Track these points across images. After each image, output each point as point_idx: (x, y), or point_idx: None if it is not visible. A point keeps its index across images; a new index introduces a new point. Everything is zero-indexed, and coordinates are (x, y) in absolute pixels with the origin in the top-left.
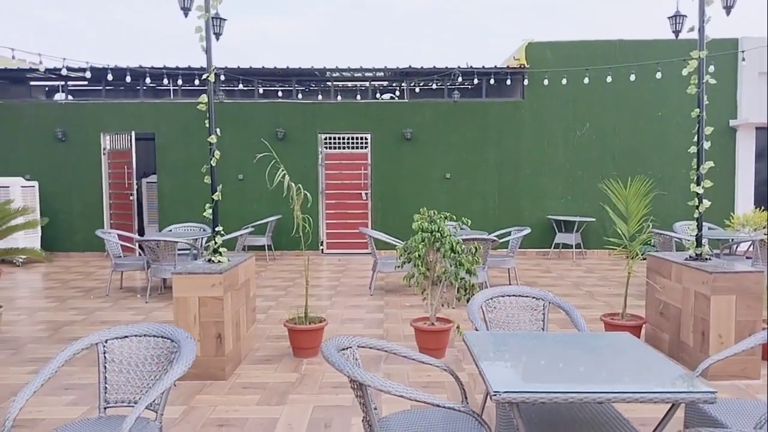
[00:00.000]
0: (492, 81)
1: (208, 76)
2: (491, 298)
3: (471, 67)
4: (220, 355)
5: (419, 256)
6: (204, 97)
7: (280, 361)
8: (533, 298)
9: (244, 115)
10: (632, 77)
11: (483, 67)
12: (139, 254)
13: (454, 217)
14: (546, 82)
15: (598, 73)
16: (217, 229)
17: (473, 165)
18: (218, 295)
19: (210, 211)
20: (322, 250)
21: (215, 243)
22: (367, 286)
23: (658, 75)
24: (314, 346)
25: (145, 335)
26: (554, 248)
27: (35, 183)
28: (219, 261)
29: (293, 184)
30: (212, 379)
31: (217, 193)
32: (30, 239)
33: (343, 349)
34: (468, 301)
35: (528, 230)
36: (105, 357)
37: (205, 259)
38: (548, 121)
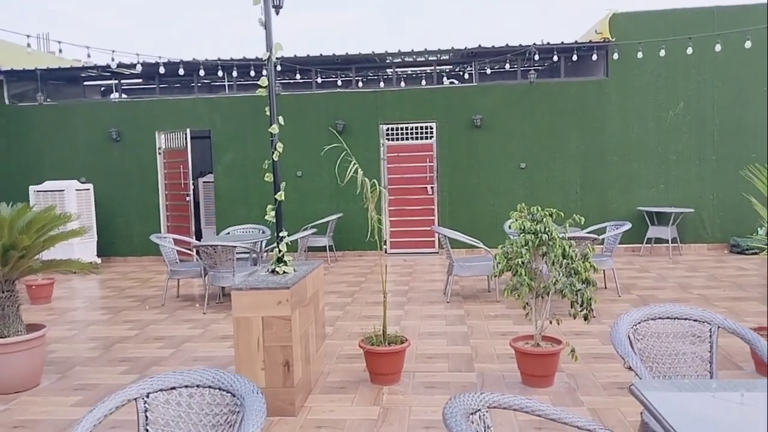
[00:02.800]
0: (574, 58)
1: (268, 57)
2: (639, 323)
3: (548, 43)
4: (288, 385)
5: (522, 263)
6: (264, 80)
7: (357, 390)
8: (696, 321)
9: (301, 107)
10: (717, 47)
11: (562, 43)
12: (197, 260)
13: (562, 214)
14: (635, 56)
15: (693, 45)
16: (281, 234)
17: (552, 153)
18: (286, 315)
19: (273, 213)
20: (386, 249)
21: (279, 251)
22: (441, 292)
23: (748, 44)
24: (396, 372)
25: (197, 386)
26: (646, 243)
27: (90, 185)
28: (284, 272)
29: (367, 180)
30: (280, 415)
31: (280, 193)
32: (86, 245)
33: (472, 413)
34: (585, 318)
35: (628, 225)
36: (146, 417)
37: (268, 269)
38: (636, 101)
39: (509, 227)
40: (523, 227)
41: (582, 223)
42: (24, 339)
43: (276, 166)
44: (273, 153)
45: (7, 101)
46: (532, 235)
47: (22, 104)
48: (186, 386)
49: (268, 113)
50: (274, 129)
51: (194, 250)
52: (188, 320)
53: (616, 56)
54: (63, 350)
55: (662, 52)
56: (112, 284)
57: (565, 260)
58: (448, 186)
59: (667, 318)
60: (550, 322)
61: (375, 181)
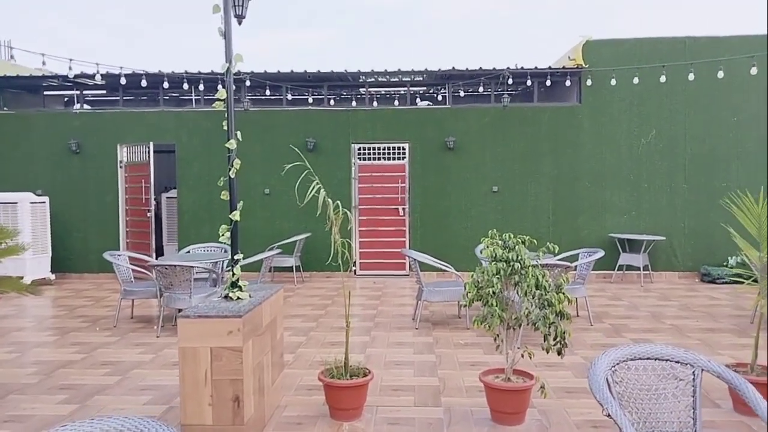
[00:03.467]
0: (548, 83)
1: (227, 68)
2: (618, 363)
3: (522, 68)
4: (238, 423)
5: (494, 293)
6: (222, 92)
7: (314, 426)
8: (678, 362)
9: (271, 124)
10: (691, 76)
11: (536, 68)
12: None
13: (535, 241)
14: (608, 83)
15: (665, 74)
16: (236, 256)
17: (525, 177)
18: (236, 345)
19: (228, 234)
20: (355, 271)
21: (233, 274)
22: (410, 317)
23: (720, 74)
24: (357, 407)
25: None
26: (618, 270)
27: (46, 198)
28: (238, 298)
29: (330, 201)
30: None
31: (235, 212)
32: (39, 261)
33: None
34: (559, 353)
35: (601, 253)
36: None
37: (221, 294)
38: (609, 127)
39: (480, 252)
40: (494, 255)
41: (555, 251)
42: None
43: (232, 184)
44: (230, 170)
45: None
46: (504, 263)
47: None
48: None
49: (225, 128)
50: (232, 144)
51: (151, 269)
52: (140, 344)
53: (589, 82)
54: (0, 375)
55: (636, 80)
56: (65, 302)
57: (538, 291)
58: (420, 207)
59: (648, 359)
60: (522, 356)
61: (339, 202)
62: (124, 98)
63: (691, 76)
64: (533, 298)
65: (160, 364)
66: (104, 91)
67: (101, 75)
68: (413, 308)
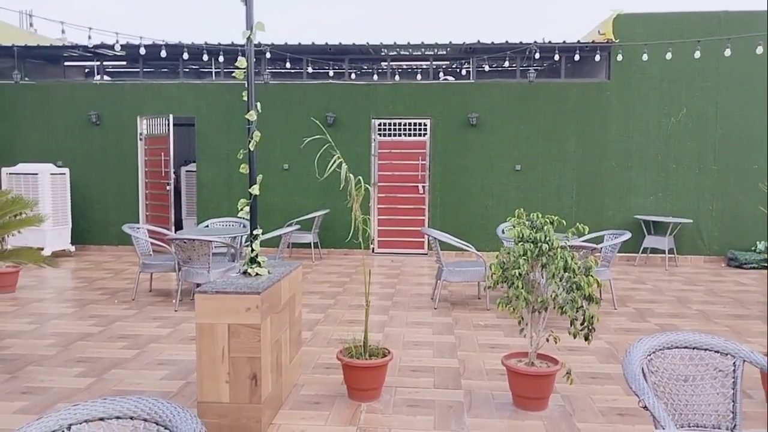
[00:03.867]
0: (576, 58)
1: (248, 36)
2: (654, 352)
3: (549, 42)
4: (255, 401)
5: (520, 275)
6: (242, 61)
7: (332, 406)
8: (718, 352)
9: (290, 98)
10: (727, 52)
11: (564, 42)
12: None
13: (564, 222)
14: (638, 59)
15: (697, 49)
16: (255, 231)
17: (548, 155)
18: (254, 323)
19: (247, 209)
20: (373, 249)
21: (252, 250)
22: (429, 296)
23: (759, 50)
24: (376, 387)
25: (131, 417)
26: (642, 253)
27: (66, 170)
28: (257, 274)
29: (351, 176)
30: None
31: (255, 186)
32: (59, 232)
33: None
34: (586, 339)
35: (627, 235)
36: None
37: (239, 270)
38: (638, 105)
39: (503, 232)
40: (521, 235)
41: (585, 232)
42: None
43: (252, 157)
44: (249, 142)
45: None
46: (531, 244)
47: None
48: (117, 417)
49: (245, 99)
50: (252, 116)
51: (170, 243)
52: (158, 318)
53: (620, 57)
54: (18, 346)
55: (668, 55)
56: (84, 275)
57: (566, 273)
58: (440, 185)
59: (685, 348)
60: (547, 340)
61: (360, 177)
62: (144, 70)
63: (727, 52)
64: (561, 280)
65: (177, 339)
66: (124, 63)
67: (121, 45)
68: (432, 288)
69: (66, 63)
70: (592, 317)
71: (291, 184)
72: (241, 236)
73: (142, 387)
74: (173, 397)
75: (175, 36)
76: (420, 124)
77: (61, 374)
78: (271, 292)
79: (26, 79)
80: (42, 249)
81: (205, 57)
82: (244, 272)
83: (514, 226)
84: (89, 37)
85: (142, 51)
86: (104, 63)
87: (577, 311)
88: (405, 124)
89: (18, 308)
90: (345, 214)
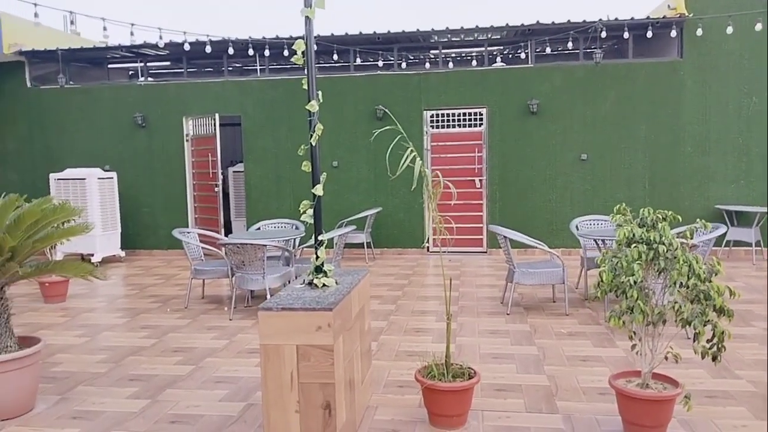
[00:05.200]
0: (649, 34)
1: (306, 15)
2: None
3: (616, 19)
4: None
5: (635, 282)
6: (300, 43)
7: None
8: None
9: (337, 91)
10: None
11: (632, 18)
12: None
13: (679, 218)
14: (714, 35)
15: (758, 21)
16: (320, 237)
17: (617, 143)
18: (327, 344)
19: (310, 212)
20: (428, 248)
21: (317, 257)
22: (498, 300)
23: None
24: (461, 413)
25: None
26: (725, 246)
27: (114, 174)
28: (324, 285)
29: (428, 171)
30: None
31: (318, 186)
32: (108, 238)
33: None
34: (715, 359)
35: (723, 229)
36: None
37: (304, 280)
38: (715, 85)
39: (576, 228)
40: (632, 235)
41: (708, 228)
42: (14, 357)
43: (315, 153)
44: (311, 136)
45: (28, 83)
46: (644, 246)
47: (43, 87)
48: None
49: (305, 86)
50: (313, 106)
51: (221, 248)
52: (212, 327)
53: (699, 32)
54: (68, 362)
55: (759, 26)
56: (135, 281)
57: (691, 280)
58: (499, 178)
59: None
60: (666, 358)
61: (438, 172)
62: (188, 69)
63: (757, 27)
64: (684, 288)
65: (234, 352)
66: (168, 63)
67: (164, 44)
68: (499, 290)
69: (110, 65)
70: (722, 333)
71: (340, 181)
72: (294, 238)
73: (200, 410)
74: (234, 423)
75: (215, 31)
76: (475, 114)
77: (114, 395)
78: (342, 307)
79: (71, 82)
80: (92, 255)
81: (251, 51)
82: (310, 283)
83: (620, 225)
84: (131, 33)
85: (186, 47)
86: (148, 64)
87: (705, 325)
88: (459, 115)
89: (68, 319)
90: (398, 211)
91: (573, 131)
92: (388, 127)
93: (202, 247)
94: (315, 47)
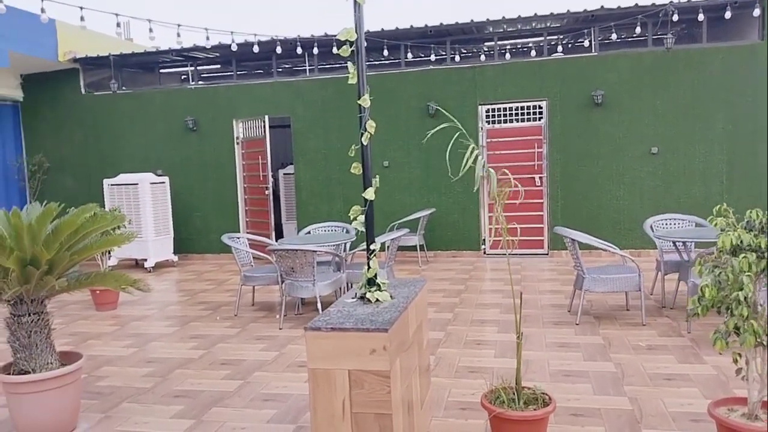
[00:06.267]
0: (727, 15)
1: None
2: None
3: (689, 0)
4: None
5: (745, 299)
6: (350, 32)
7: None
8: None
9: (387, 89)
10: None
11: None
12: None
13: None
14: None
15: None
16: (372, 246)
17: (691, 135)
18: (383, 369)
19: (362, 218)
20: (485, 250)
21: (369, 268)
22: (565, 308)
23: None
24: None
25: None
26: None
27: (166, 179)
28: (377, 300)
29: (492, 171)
30: None
31: (371, 189)
32: (161, 243)
33: None
34: None
35: None
36: None
37: (356, 294)
38: None
39: (651, 229)
40: (740, 242)
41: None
42: (54, 375)
43: (366, 153)
44: (362, 135)
45: (83, 90)
46: (754, 255)
47: (97, 93)
48: None
49: (351, 81)
50: (365, 101)
51: (271, 254)
52: (262, 338)
53: None
54: (114, 376)
55: None
56: (186, 287)
57: None
58: (561, 176)
59: None
60: None
61: (506, 170)
62: (237, 71)
63: None
64: None
65: (284, 365)
66: (218, 66)
67: (212, 45)
68: (565, 297)
69: (161, 70)
70: None
71: (392, 182)
72: (344, 243)
73: None
74: None
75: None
76: (535, 107)
77: (158, 414)
78: (399, 325)
79: (123, 88)
80: (145, 260)
81: (299, 50)
82: (362, 297)
83: (723, 230)
84: (178, 35)
85: (234, 47)
86: (198, 67)
87: None
88: (517, 109)
89: (118, 328)
90: (451, 212)
91: (642, 123)
92: (445, 124)
93: (253, 253)
94: (364, 44)
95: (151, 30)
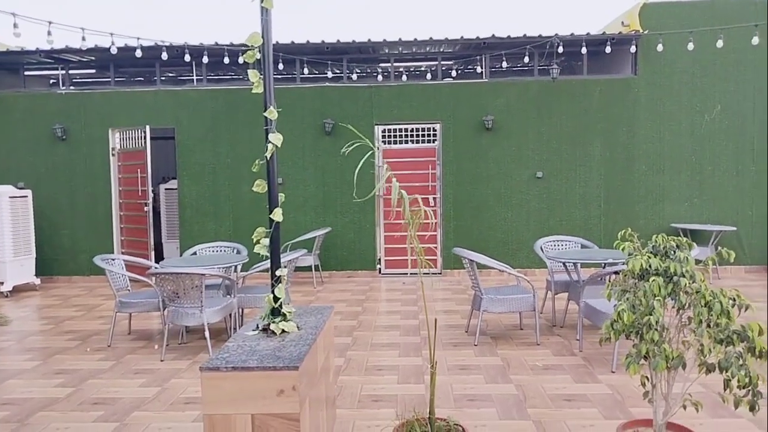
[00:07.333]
0: (607, 50)
1: (262, 2)
2: None
3: (572, 34)
4: None
5: (656, 321)
6: (256, 36)
7: None
8: None
9: (283, 104)
10: (755, 40)
11: (588, 34)
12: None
13: (694, 244)
14: (667, 52)
15: (732, 40)
16: (278, 272)
17: (572, 160)
18: (292, 412)
19: (266, 241)
20: (380, 269)
21: (275, 299)
22: (462, 328)
23: (755, 40)
24: None
25: None
26: None
27: (28, 192)
28: (282, 330)
29: (405, 193)
30: None
31: (277, 210)
32: (21, 264)
33: None
34: (752, 409)
35: (696, 250)
36: None
37: (258, 325)
38: (668, 102)
39: (541, 250)
40: (648, 266)
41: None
42: None
43: (272, 169)
44: (267, 150)
45: None
46: (661, 279)
47: None
48: None
49: (255, 91)
50: (272, 113)
51: (151, 277)
52: (140, 371)
53: (660, 47)
54: None
55: (719, 42)
56: (50, 313)
57: (722, 319)
58: (453, 196)
59: None
60: (685, 407)
61: (417, 196)
62: (116, 78)
63: (755, 40)
64: (714, 328)
65: (167, 403)
66: (93, 71)
67: (89, 48)
68: (461, 317)
69: (26, 72)
70: (757, 378)
71: (287, 200)
72: (235, 265)
73: None
74: None
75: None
76: (429, 129)
77: None
78: (309, 361)
79: None
80: (1, 284)
81: (187, 57)
82: (265, 329)
83: (631, 254)
84: (49, 33)
85: (114, 51)
86: (70, 72)
87: (741, 370)
88: (412, 130)
89: None
90: (347, 231)
91: (528, 148)
92: (357, 142)
93: (130, 276)
94: (258, 55)
95: (15, 26)
